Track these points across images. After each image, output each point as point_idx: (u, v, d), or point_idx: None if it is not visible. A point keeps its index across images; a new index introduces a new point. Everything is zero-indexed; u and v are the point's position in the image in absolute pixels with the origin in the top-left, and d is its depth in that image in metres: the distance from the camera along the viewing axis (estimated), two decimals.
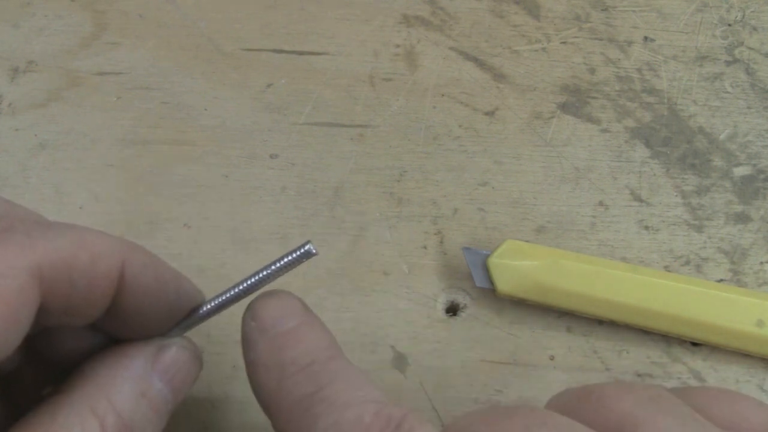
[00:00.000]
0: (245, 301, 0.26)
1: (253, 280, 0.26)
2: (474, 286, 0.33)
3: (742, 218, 0.35)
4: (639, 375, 0.32)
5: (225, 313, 0.27)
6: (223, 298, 0.26)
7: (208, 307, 0.26)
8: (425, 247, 0.34)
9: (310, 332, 0.25)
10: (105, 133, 0.37)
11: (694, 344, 0.33)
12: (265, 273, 0.25)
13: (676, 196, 0.35)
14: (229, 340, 0.32)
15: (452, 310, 0.33)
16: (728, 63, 0.38)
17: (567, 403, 0.23)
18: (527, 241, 0.34)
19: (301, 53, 0.39)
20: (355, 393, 0.22)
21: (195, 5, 0.40)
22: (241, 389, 0.32)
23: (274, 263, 0.25)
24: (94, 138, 0.37)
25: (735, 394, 0.23)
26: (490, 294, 0.33)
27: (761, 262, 0.34)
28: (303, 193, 0.36)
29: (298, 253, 0.25)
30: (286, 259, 0.25)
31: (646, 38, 0.39)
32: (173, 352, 0.25)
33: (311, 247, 0.25)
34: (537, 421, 0.21)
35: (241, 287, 0.26)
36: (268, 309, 0.25)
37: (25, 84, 0.38)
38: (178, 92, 0.38)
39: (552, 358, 0.32)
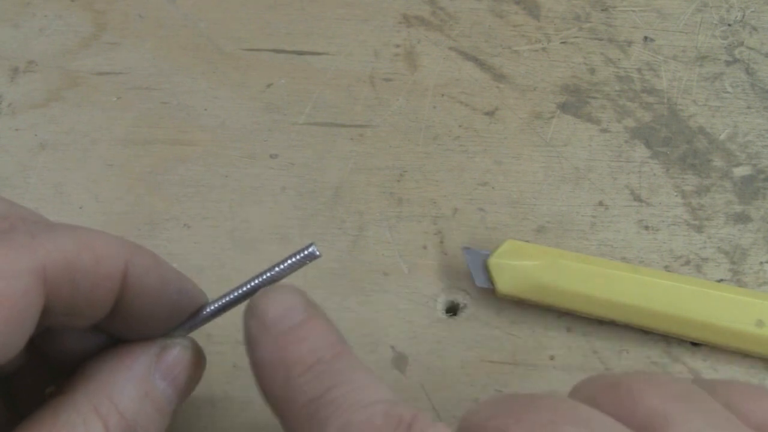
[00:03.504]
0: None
1: (256, 281, 0.25)
2: (474, 286, 0.33)
3: (742, 218, 0.35)
4: None
5: (226, 313, 0.27)
6: (227, 299, 0.26)
7: (212, 308, 0.26)
8: (425, 247, 0.34)
9: (314, 329, 0.24)
10: (105, 133, 0.37)
11: (694, 344, 0.33)
12: (268, 275, 0.25)
13: (676, 196, 0.36)
14: (230, 340, 0.32)
15: (452, 310, 0.33)
16: (728, 63, 0.39)
17: (593, 393, 0.22)
18: (527, 241, 0.34)
19: (301, 53, 0.39)
20: (363, 393, 0.22)
21: (195, 5, 0.40)
22: (242, 389, 0.32)
23: (277, 265, 0.25)
24: (94, 138, 0.37)
25: (764, 390, 0.23)
26: (490, 294, 0.33)
27: (761, 262, 0.34)
28: (303, 193, 0.36)
29: (302, 254, 0.25)
30: (289, 261, 0.25)
31: (646, 38, 0.39)
32: (176, 352, 0.25)
33: (314, 249, 0.25)
34: (565, 413, 0.20)
35: (244, 289, 0.26)
36: (269, 306, 0.24)
37: (25, 84, 0.38)
38: (178, 92, 0.38)
39: (552, 358, 0.32)
